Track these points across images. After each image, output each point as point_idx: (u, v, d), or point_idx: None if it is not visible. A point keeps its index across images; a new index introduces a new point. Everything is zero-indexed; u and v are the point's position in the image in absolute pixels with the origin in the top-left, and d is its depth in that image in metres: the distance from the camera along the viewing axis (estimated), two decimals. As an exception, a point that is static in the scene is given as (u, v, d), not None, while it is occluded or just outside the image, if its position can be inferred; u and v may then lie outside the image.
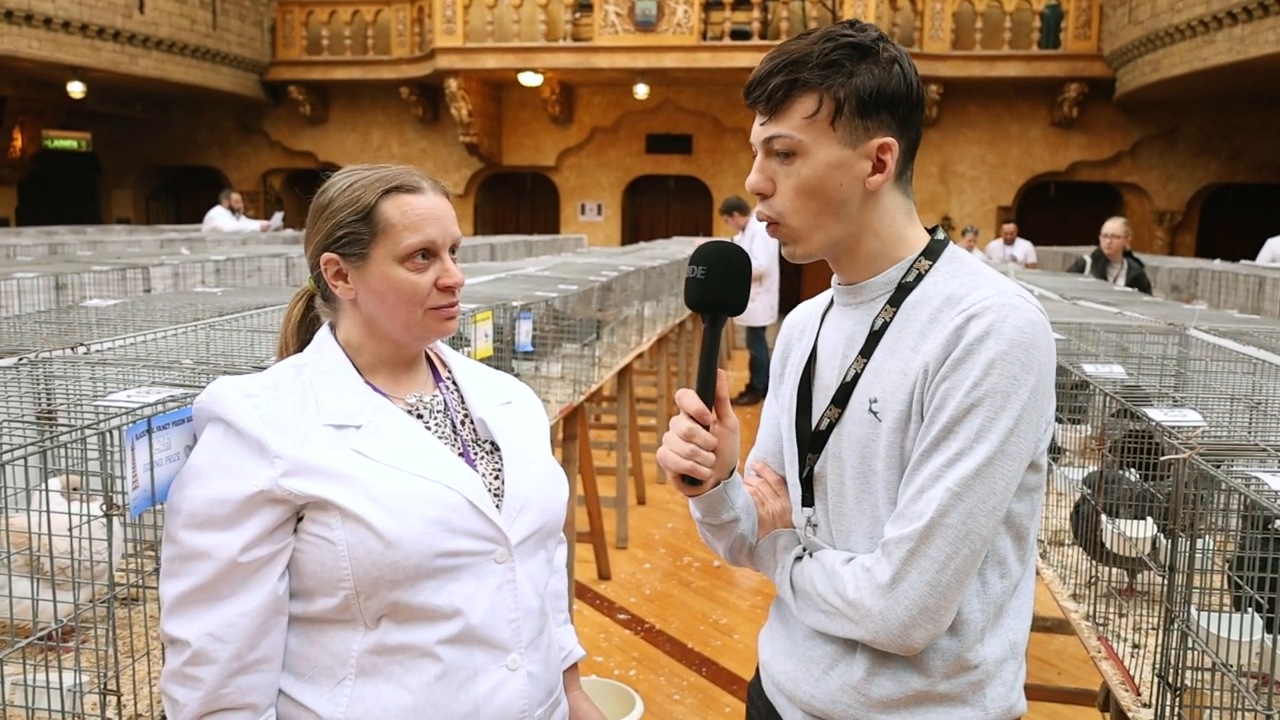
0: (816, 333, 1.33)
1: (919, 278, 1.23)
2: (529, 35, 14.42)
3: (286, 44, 15.96)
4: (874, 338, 1.22)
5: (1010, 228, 12.03)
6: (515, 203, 17.57)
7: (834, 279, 1.31)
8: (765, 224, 1.25)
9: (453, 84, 14.44)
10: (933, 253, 1.25)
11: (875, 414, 1.19)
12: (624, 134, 16.17)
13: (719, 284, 1.23)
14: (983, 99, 14.62)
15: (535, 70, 14.41)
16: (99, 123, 16.14)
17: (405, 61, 15.31)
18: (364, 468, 1.22)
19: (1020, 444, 1.13)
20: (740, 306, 1.24)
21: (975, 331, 1.12)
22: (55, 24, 12.16)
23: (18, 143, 14.77)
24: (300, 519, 1.22)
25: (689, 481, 1.25)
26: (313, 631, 1.25)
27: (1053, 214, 15.34)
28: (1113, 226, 6.85)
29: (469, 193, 16.67)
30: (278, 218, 11.77)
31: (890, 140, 1.20)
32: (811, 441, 1.27)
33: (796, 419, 1.31)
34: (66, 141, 15.63)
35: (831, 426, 1.24)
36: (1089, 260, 6.95)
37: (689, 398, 1.23)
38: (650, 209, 17.14)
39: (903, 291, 1.23)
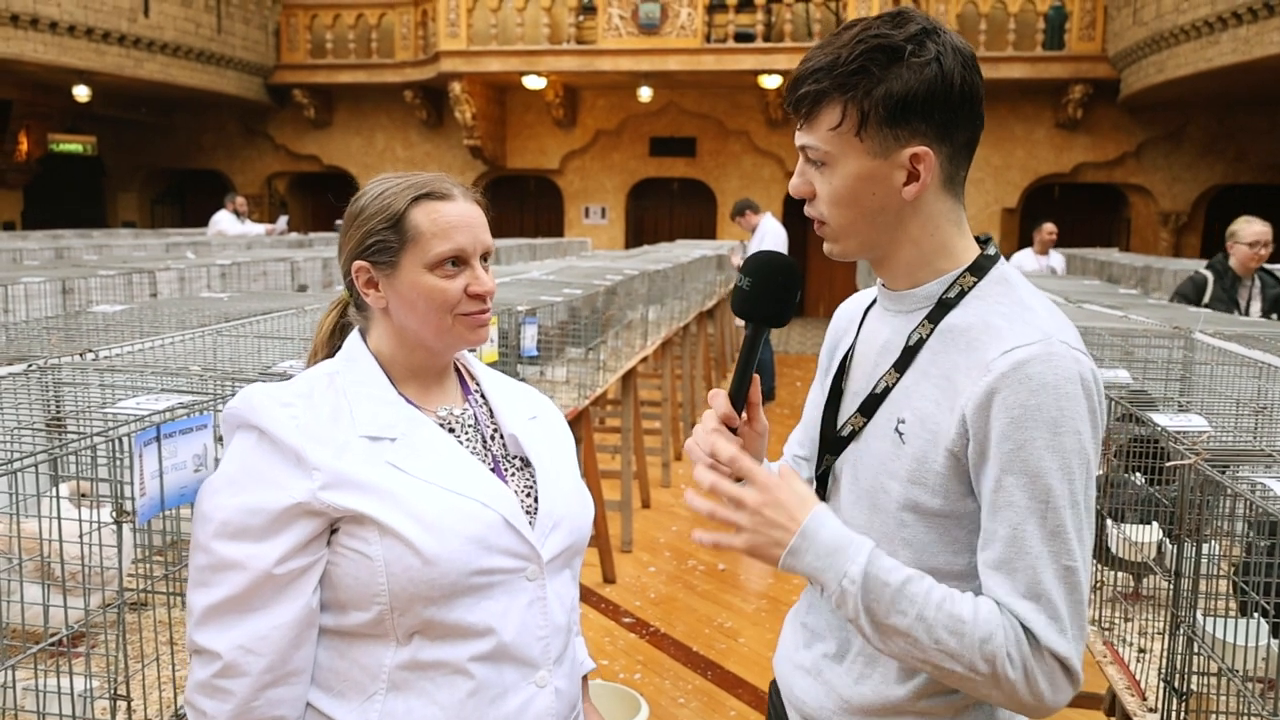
0: (858, 329, 1.30)
1: (961, 295, 1.17)
2: (532, 38, 14.43)
3: (291, 47, 15.99)
4: (909, 353, 1.18)
5: (1049, 229, 9.05)
6: (519, 206, 17.57)
7: (879, 278, 1.27)
8: (815, 224, 1.22)
9: (456, 87, 14.46)
10: (979, 269, 1.18)
11: (900, 434, 1.15)
12: (628, 137, 16.18)
13: (761, 297, 1.22)
14: (987, 101, 14.51)
15: (539, 73, 14.43)
16: (104, 126, 16.19)
17: (409, 65, 15.34)
18: (402, 482, 1.21)
19: (1093, 487, 1.10)
20: (782, 320, 1.22)
21: (1019, 390, 1.06)
22: (60, 28, 12.19)
23: (23, 146, 14.82)
24: (334, 530, 1.21)
25: None
26: (343, 645, 1.24)
27: (1057, 216, 15.29)
28: (1261, 231, 4.92)
29: (473, 195, 16.66)
30: (282, 221, 11.79)
31: (924, 150, 1.12)
32: (833, 443, 1.25)
33: (824, 415, 1.29)
34: (72, 145, 15.68)
35: (854, 434, 1.22)
36: (1210, 277, 5.09)
37: (719, 399, 1.22)
38: (654, 212, 17.15)
39: (943, 308, 1.17)
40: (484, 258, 1.31)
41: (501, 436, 1.36)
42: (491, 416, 1.38)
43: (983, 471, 1.09)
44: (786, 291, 1.22)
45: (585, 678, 1.50)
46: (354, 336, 1.33)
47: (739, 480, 1.14)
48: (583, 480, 1.42)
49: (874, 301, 1.31)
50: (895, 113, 1.11)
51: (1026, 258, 9.01)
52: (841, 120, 1.13)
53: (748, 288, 1.22)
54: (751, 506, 1.11)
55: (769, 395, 8.88)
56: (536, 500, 1.32)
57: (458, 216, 1.28)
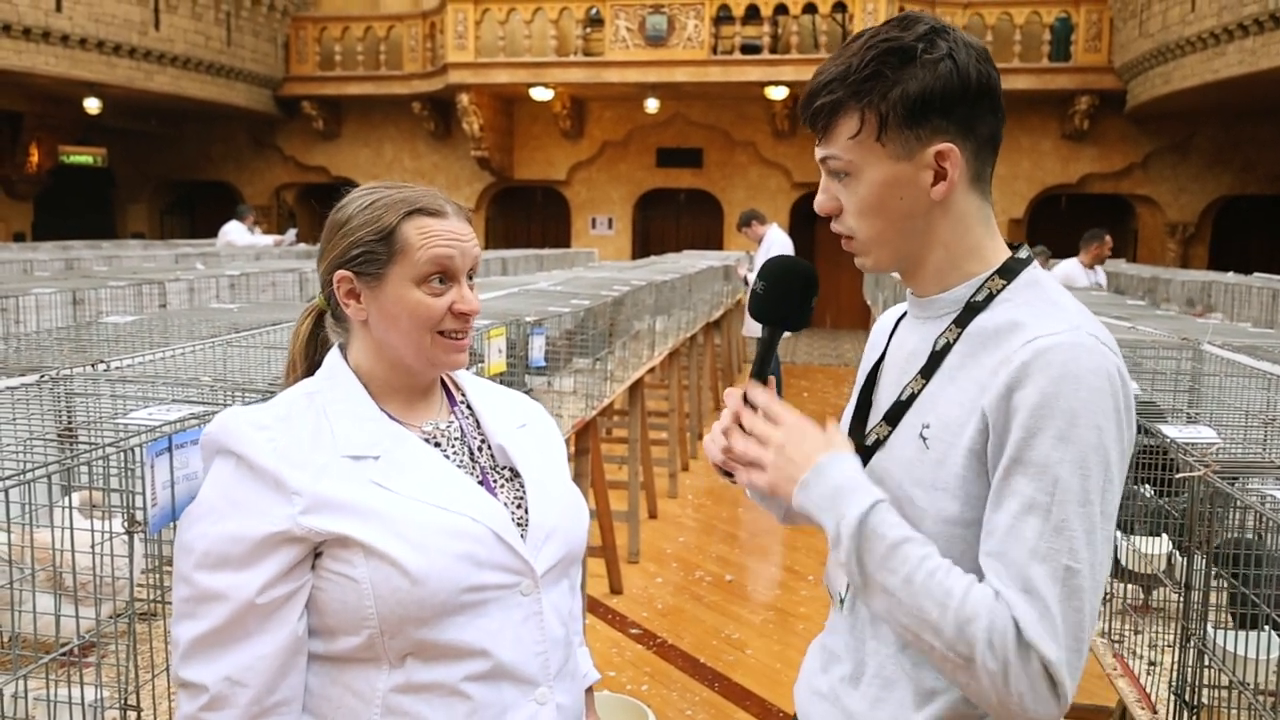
0: (888, 341, 1.28)
1: (989, 298, 1.14)
2: (540, 50, 14.50)
3: (300, 59, 16.08)
4: (935, 359, 1.15)
5: (1109, 242, 7.76)
6: (526, 216, 17.63)
7: (908, 288, 1.25)
8: (843, 240, 1.20)
9: (464, 98, 14.53)
10: (1009, 272, 1.15)
11: (925, 440, 1.12)
12: (634, 148, 16.23)
13: (777, 301, 1.22)
14: (993, 112, 14.61)
15: (546, 85, 14.49)
16: (114, 138, 16.29)
17: (417, 76, 15.42)
18: (386, 501, 1.19)
19: (1115, 494, 1.05)
20: (796, 324, 1.22)
21: (1043, 384, 1.01)
22: (72, 41, 12.29)
23: (34, 158, 14.92)
24: (319, 554, 1.18)
25: (726, 472, 1.24)
26: (334, 671, 1.21)
27: (1064, 227, 15.31)
28: None
29: (480, 207, 16.73)
30: (291, 233, 11.83)
31: (948, 146, 1.10)
32: (859, 454, 1.20)
33: (852, 427, 1.26)
34: (82, 157, 15.77)
35: (879, 443, 1.19)
36: None
37: (734, 397, 1.20)
38: (661, 222, 17.18)
39: (970, 312, 1.14)
40: (471, 274, 1.29)
41: (489, 447, 1.34)
42: (478, 427, 1.35)
43: (996, 465, 1.05)
44: (802, 296, 1.21)
45: (590, 689, 1.47)
46: (334, 353, 1.31)
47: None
48: (575, 488, 1.40)
49: (905, 314, 1.28)
50: (914, 112, 1.09)
51: (1075, 270, 7.65)
52: (860, 128, 1.11)
53: (762, 291, 1.22)
54: (776, 444, 1.12)
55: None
56: (528, 511, 1.29)
57: (449, 233, 1.25)
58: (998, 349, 1.08)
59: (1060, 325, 1.05)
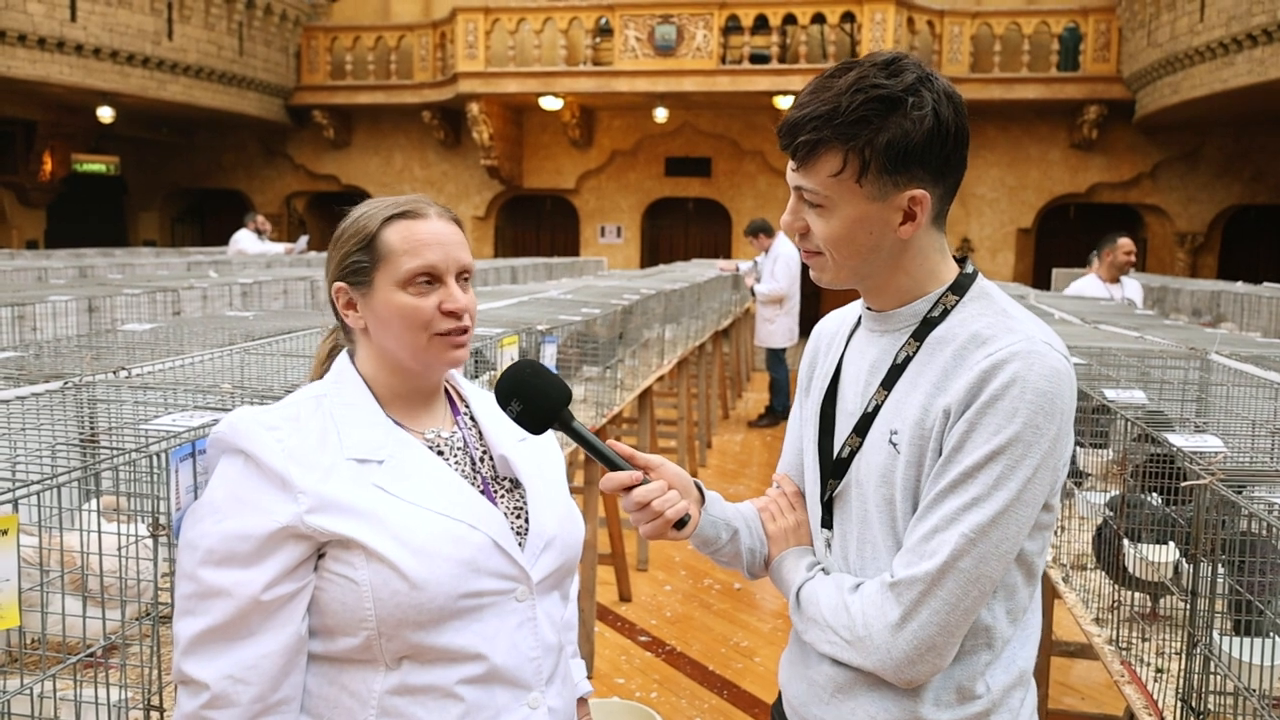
0: (842, 352, 1.35)
1: (944, 313, 1.23)
2: (550, 59, 14.56)
3: (311, 69, 16.18)
4: (896, 371, 1.24)
5: (1126, 246, 6.20)
6: (535, 225, 17.67)
7: (862, 300, 1.32)
8: (806, 254, 1.27)
9: (474, 108, 14.59)
10: (960, 288, 1.25)
11: (895, 446, 1.20)
12: (643, 157, 16.27)
13: (540, 402, 1.25)
14: (1001, 121, 14.63)
15: (556, 94, 14.54)
16: (127, 146, 16.40)
17: (427, 86, 15.49)
18: (389, 506, 1.20)
19: (1037, 491, 1.14)
20: (565, 397, 1.26)
21: (1001, 379, 1.12)
22: (86, 50, 12.39)
23: (47, 166, 15.02)
24: (321, 555, 1.20)
25: (681, 526, 1.27)
26: (332, 671, 1.23)
27: (1073, 236, 15.30)
28: None
29: (489, 215, 16.79)
30: (303, 241, 11.88)
31: (921, 192, 1.18)
32: (834, 467, 1.29)
33: (819, 440, 1.33)
34: (95, 165, 15.89)
35: (853, 454, 1.26)
36: None
37: (611, 481, 1.24)
38: (670, 231, 17.21)
39: (927, 326, 1.23)
40: (464, 278, 1.30)
41: (491, 458, 1.36)
42: (481, 438, 1.37)
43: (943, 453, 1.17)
44: (540, 379, 1.26)
45: (585, 701, 1.50)
46: (342, 358, 1.33)
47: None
48: (573, 501, 1.42)
49: (857, 323, 1.35)
50: (897, 160, 1.15)
51: (1091, 286, 6.41)
52: (843, 168, 1.17)
53: (522, 408, 1.25)
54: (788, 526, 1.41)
55: (783, 413, 8.89)
56: (527, 521, 1.31)
57: (429, 234, 1.27)
58: (960, 359, 1.18)
59: (1016, 338, 1.16)
